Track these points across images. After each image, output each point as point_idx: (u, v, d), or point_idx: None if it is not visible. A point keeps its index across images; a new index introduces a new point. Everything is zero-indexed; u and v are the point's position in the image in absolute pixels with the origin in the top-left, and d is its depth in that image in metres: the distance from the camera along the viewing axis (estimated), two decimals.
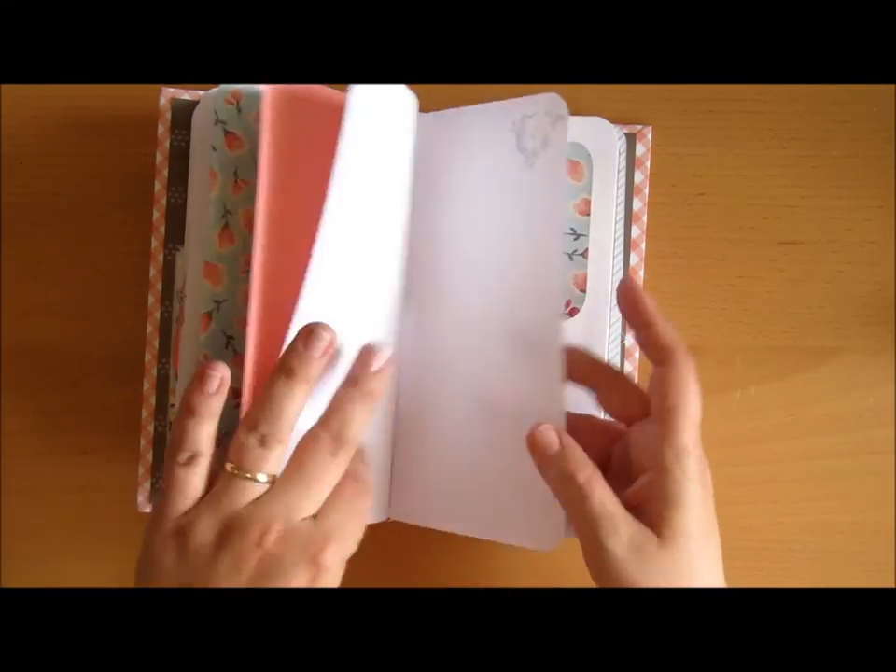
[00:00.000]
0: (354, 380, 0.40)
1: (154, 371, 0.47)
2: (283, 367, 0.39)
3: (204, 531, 0.37)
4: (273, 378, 0.39)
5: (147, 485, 0.47)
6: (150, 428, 0.47)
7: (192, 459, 0.38)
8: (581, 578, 0.46)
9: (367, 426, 0.40)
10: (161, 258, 0.47)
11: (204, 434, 0.39)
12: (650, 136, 0.48)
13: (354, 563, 0.39)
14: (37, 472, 0.48)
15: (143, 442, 0.47)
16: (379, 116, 0.43)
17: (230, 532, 0.37)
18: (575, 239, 0.47)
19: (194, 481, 0.38)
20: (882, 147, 0.49)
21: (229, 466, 0.38)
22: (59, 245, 0.48)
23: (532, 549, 0.42)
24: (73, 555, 0.48)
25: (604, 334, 0.47)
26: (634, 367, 0.48)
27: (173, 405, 0.45)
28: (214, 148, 0.44)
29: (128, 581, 0.48)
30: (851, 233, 0.49)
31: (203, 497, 0.38)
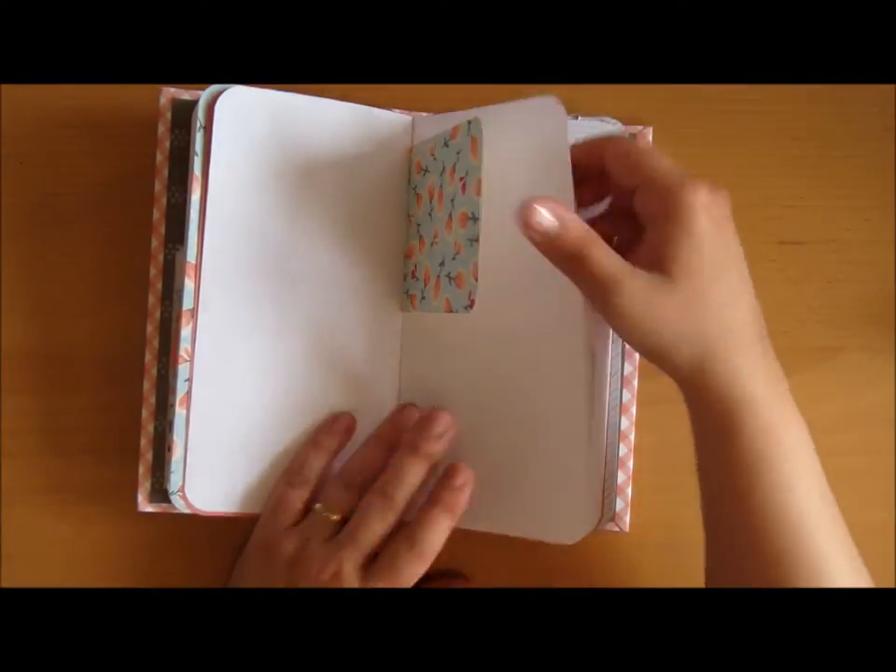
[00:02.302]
0: (413, 446, 0.44)
1: (154, 371, 0.47)
2: (372, 437, 0.46)
3: (285, 551, 0.43)
4: (364, 444, 0.46)
5: (148, 485, 0.47)
6: (150, 428, 0.47)
7: (301, 484, 0.45)
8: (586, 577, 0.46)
9: (419, 483, 0.44)
10: (161, 257, 0.47)
11: (317, 465, 0.45)
12: (650, 137, 0.48)
13: None
14: (37, 472, 0.48)
15: (143, 442, 0.47)
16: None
17: (299, 560, 0.43)
18: None
19: (296, 502, 0.45)
20: (882, 147, 0.49)
21: (317, 505, 0.45)
22: (59, 246, 0.48)
23: (557, 542, 0.43)
24: (73, 555, 0.48)
25: (607, 332, 0.47)
26: (634, 367, 0.48)
27: (172, 405, 0.45)
28: (196, 154, 0.44)
29: (128, 581, 0.48)
30: (851, 233, 0.49)
31: (300, 520, 0.45)
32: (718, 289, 0.38)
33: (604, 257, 0.38)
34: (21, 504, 0.48)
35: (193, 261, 0.45)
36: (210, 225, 0.44)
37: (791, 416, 0.39)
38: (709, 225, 0.38)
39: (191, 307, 0.45)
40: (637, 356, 0.48)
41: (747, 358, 0.39)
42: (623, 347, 0.47)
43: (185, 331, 0.45)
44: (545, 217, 0.38)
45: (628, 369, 0.48)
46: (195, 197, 0.44)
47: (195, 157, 0.44)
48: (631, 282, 0.38)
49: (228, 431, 0.45)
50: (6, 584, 0.48)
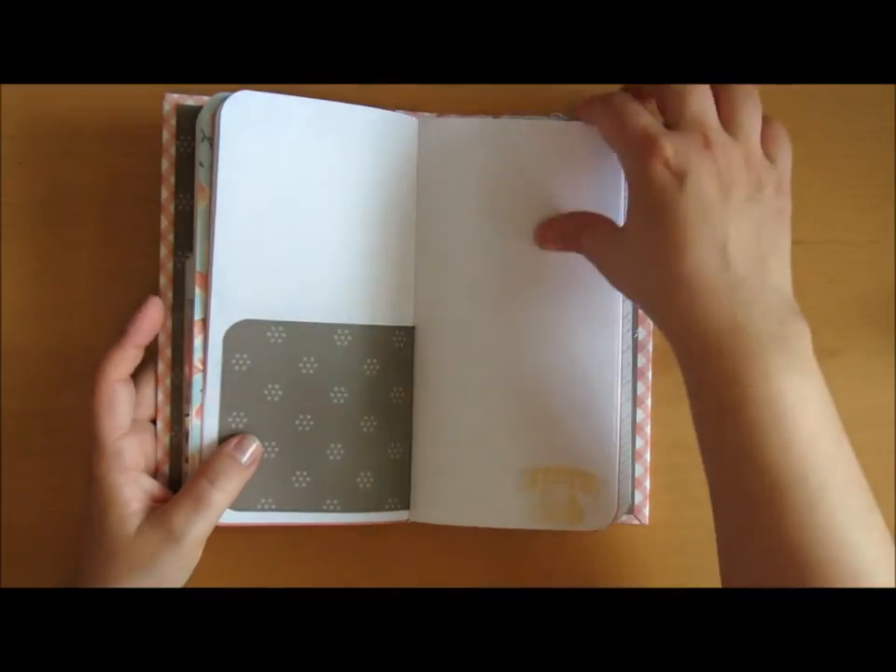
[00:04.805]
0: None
1: (167, 382, 0.46)
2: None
3: None
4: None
5: None
6: (166, 440, 0.46)
7: None
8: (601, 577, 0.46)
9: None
10: (170, 266, 0.46)
11: None
12: None
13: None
14: (38, 472, 0.48)
15: (159, 455, 0.46)
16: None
17: None
18: None
19: None
20: (882, 147, 0.49)
21: None
22: (60, 247, 0.48)
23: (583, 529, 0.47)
24: (73, 555, 0.48)
25: (616, 328, 0.47)
26: (647, 359, 0.48)
27: (188, 414, 0.45)
28: (202, 164, 0.44)
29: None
30: (851, 233, 0.49)
31: None
32: (659, 246, 0.40)
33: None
34: (20, 503, 0.48)
35: (202, 271, 0.45)
36: (219, 234, 0.44)
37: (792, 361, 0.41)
38: (657, 194, 0.40)
39: (202, 317, 0.45)
40: (649, 347, 0.48)
41: (707, 305, 0.40)
42: (635, 340, 0.48)
43: (197, 341, 0.45)
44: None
45: (641, 361, 0.48)
46: (202, 207, 0.44)
47: (200, 167, 0.44)
48: (594, 233, 0.45)
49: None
50: (6, 584, 0.48)
